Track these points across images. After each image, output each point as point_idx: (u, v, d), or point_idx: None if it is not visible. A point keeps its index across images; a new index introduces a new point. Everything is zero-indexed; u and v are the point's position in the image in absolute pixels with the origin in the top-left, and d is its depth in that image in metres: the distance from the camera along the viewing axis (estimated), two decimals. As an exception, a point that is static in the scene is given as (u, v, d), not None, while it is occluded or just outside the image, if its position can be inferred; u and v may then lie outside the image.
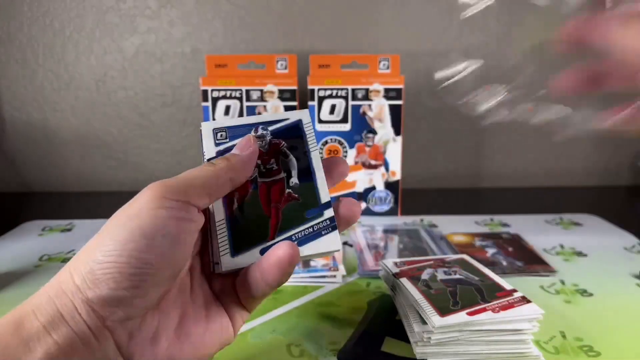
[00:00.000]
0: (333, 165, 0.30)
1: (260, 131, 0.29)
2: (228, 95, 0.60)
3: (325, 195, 0.29)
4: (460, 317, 0.30)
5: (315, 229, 0.28)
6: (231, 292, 0.27)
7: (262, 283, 0.25)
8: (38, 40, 0.72)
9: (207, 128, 0.29)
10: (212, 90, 0.59)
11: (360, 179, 0.62)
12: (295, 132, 0.30)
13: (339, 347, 0.33)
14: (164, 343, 0.24)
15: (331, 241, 0.28)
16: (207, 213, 0.28)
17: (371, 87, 0.59)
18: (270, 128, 0.30)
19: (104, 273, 0.21)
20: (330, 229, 0.28)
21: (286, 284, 0.41)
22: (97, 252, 0.22)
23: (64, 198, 0.73)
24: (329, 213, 0.28)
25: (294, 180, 0.29)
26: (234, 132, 0.29)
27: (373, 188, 0.62)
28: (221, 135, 0.29)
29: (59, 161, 0.77)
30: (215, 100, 0.60)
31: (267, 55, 0.60)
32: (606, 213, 0.62)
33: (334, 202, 0.29)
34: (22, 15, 0.71)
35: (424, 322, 0.31)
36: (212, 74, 0.60)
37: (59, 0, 0.71)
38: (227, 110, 0.60)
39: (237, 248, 0.27)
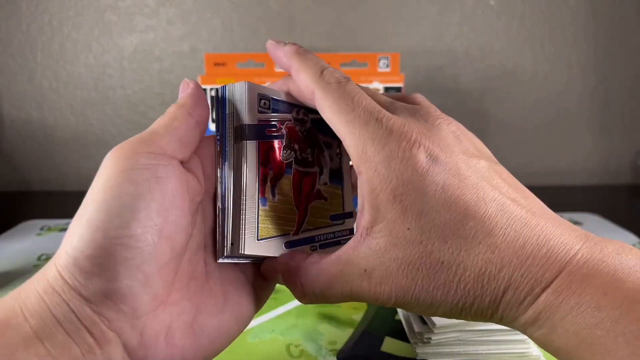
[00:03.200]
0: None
1: (301, 115, 0.26)
2: (227, 93, 0.59)
3: (349, 204, 0.27)
4: (460, 317, 0.30)
5: (336, 236, 0.27)
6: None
7: None
8: (36, 38, 0.72)
9: (252, 91, 0.25)
10: (211, 89, 0.59)
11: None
12: (332, 130, 0.28)
13: (338, 347, 0.33)
14: (179, 340, 0.20)
15: None
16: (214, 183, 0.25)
17: (371, 86, 0.59)
18: (311, 116, 0.26)
19: (93, 263, 0.18)
20: (349, 240, 0.27)
21: (285, 283, 0.41)
22: (75, 239, 0.18)
23: (63, 197, 0.73)
24: (350, 223, 0.27)
25: (325, 178, 0.27)
26: (275, 105, 0.25)
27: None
28: (265, 104, 0.25)
29: (58, 160, 0.77)
30: (214, 99, 0.59)
31: (266, 54, 0.60)
32: (607, 212, 0.62)
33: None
34: (20, 13, 0.71)
35: (424, 322, 0.30)
36: (211, 73, 0.60)
37: (58, -2, 0.71)
38: (226, 109, 0.59)
39: (264, 232, 0.24)
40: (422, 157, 0.19)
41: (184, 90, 0.24)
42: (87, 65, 0.73)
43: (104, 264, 0.18)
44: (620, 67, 0.77)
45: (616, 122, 0.79)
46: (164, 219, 0.19)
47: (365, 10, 0.73)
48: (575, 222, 0.57)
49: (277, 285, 0.26)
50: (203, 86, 0.59)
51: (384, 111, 0.21)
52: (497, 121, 0.78)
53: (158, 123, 0.22)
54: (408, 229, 0.19)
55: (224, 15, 0.72)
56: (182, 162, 0.22)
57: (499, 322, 0.20)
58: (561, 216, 0.20)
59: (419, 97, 0.25)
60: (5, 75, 0.73)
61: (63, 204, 0.70)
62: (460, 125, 0.23)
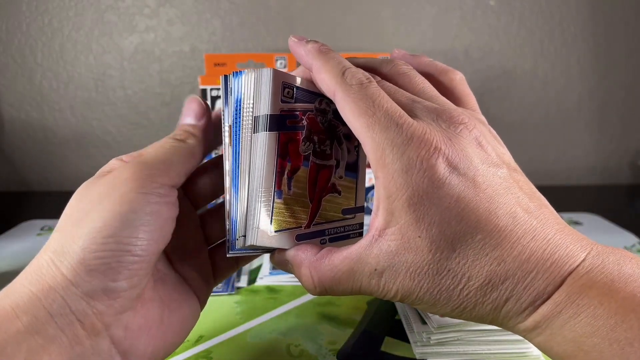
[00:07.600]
0: None
1: (323, 105, 0.26)
2: (227, 94, 0.59)
3: (361, 198, 0.27)
4: (460, 317, 0.30)
5: (345, 230, 0.27)
6: (205, 263, 0.28)
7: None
8: (36, 39, 0.72)
9: (277, 79, 0.23)
10: (211, 89, 0.59)
11: (359, 178, 0.62)
12: None
13: (338, 347, 0.33)
14: (154, 333, 0.23)
15: None
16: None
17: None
18: (333, 106, 0.26)
19: (102, 263, 0.20)
20: (357, 234, 0.27)
21: (285, 283, 0.41)
22: (85, 239, 0.20)
23: (63, 197, 0.73)
24: (360, 218, 0.27)
25: (341, 172, 0.26)
26: (298, 95, 0.25)
27: (373, 187, 0.62)
28: (288, 93, 0.24)
29: (58, 160, 0.77)
30: (214, 99, 0.59)
31: (266, 54, 0.60)
32: (606, 212, 0.62)
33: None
34: (20, 14, 0.71)
35: (423, 322, 0.30)
36: (211, 73, 0.60)
37: (58, -2, 0.71)
38: (226, 109, 0.59)
39: (277, 225, 0.24)
40: (440, 168, 0.20)
41: (200, 115, 0.26)
42: (87, 66, 0.73)
43: (111, 265, 0.20)
44: (619, 67, 0.77)
45: (615, 122, 0.79)
46: (160, 233, 0.22)
47: (365, 10, 0.73)
48: (575, 222, 0.57)
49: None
50: (203, 87, 0.59)
51: (405, 116, 0.21)
52: (496, 121, 0.78)
53: (177, 151, 0.24)
54: (419, 236, 0.20)
55: (224, 16, 0.72)
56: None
57: (499, 326, 0.21)
58: (561, 216, 0.21)
59: (456, 80, 0.26)
60: (5, 76, 0.73)
61: (63, 204, 0.69)
62: (483, 130, 0.22)
